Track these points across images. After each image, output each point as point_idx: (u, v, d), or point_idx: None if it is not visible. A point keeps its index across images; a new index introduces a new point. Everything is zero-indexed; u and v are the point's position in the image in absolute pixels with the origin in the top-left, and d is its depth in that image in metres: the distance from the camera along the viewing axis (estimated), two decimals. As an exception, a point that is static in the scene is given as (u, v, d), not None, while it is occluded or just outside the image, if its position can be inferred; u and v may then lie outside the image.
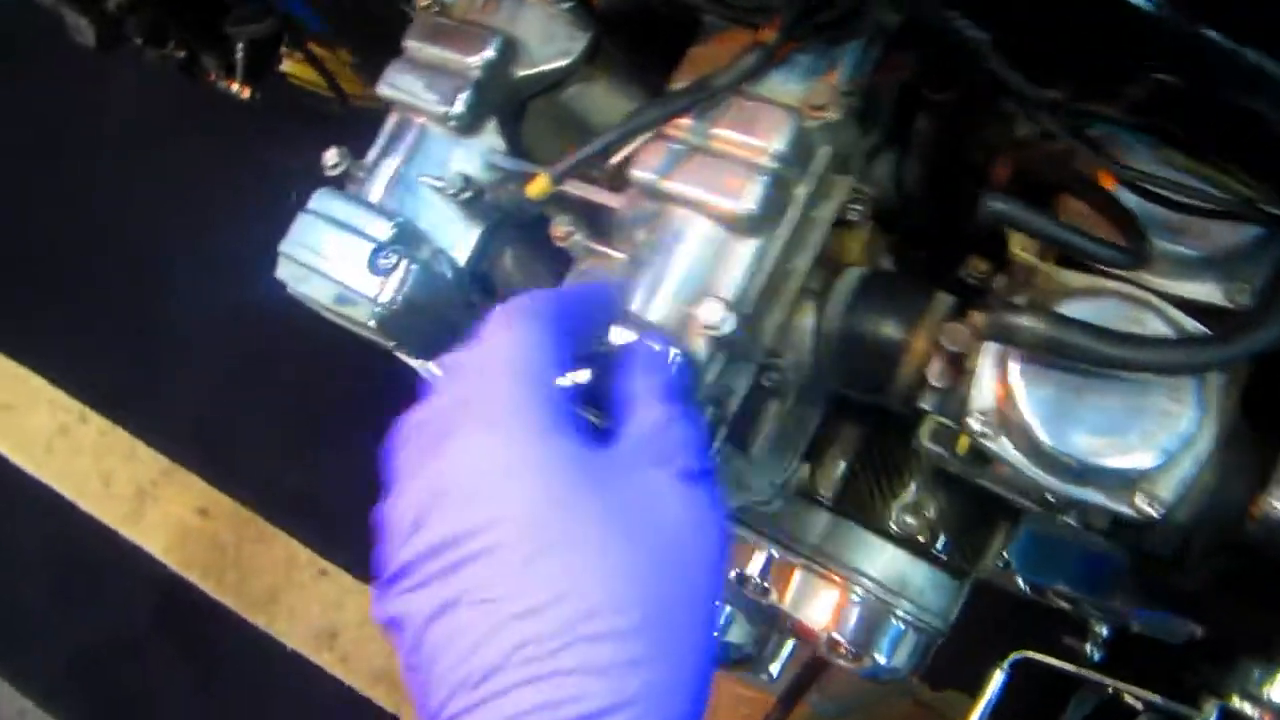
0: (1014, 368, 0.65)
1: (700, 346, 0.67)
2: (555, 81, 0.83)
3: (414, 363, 0.93)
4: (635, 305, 0.69)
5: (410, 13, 0.87)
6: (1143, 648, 1.27)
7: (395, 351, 0.92)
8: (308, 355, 1.95)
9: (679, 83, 0.74)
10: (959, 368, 0.73)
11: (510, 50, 0.81)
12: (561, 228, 0.72)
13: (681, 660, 0.46)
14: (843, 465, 1.01)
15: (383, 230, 0.78)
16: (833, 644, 0.99)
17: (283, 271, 0.83)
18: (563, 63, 0.81)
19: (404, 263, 0.77)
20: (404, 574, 0.48)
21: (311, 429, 1.92)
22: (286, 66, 1.72)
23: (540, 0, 0.81)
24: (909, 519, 0.97)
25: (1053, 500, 0.75)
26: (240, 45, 1.47)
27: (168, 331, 2.06)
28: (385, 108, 0.88)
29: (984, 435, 0.67)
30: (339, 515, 1.85)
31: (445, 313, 0.81)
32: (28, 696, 1.85)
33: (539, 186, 0.69)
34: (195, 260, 2.09)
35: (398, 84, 0.83)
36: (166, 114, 2.23)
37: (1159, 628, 1.10)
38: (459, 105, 0.79)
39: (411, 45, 0.84)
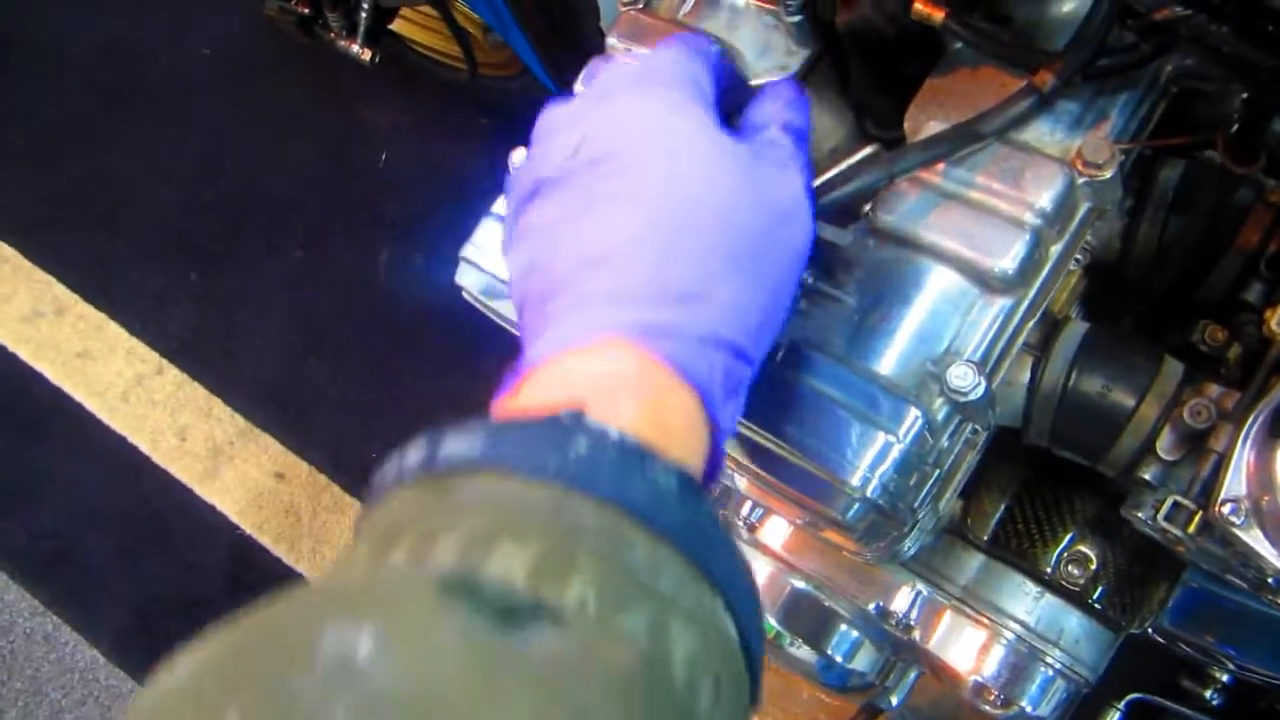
0: (1281, 459, 0.61)
1: (939, 408, 0.63)
2: (765, 97, 0.79)
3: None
4: (863, 355, 0.66)
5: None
6: (1263, 695, 1.25)
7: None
8: (393, 326, 1.92)
9: (919, 115, 0.69)
10: (1196, 444, 0.69)
11: (725, 60, 0.76)
12: (788, 264, 0.67)
13: (755, 298, 0.52)
14: (1000, 507, 0.98)
15: (578, 245, 0.74)
16: (979, 688, 0.97)
17: (463, 277, 0.78)
18: (778, 77, 0.77)
19: (605, 283, 0.72)
20: (548, 184, 0.54)
21: (392, 400, 1.89)
22: (397, 25, 1.67)
23: (762, 9, 0.76)
24: (1072, 569, 0.94)
25: (1276, 585, 0.72)
26: (365, 6, 1.42)
27: (251, 288, 2.02)
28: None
29: (1233, 523, 0.63)
30: (416, 489, 1.83)
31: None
32: (96, 647, 1.84)
33: (780, 224, 0.64)
34: (283, 217, 2.06)
35: (599, 87, 0.78)
36: (253, 62, 2.18)
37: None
38: (669, 117, 0.75)
39: (615, 44, 0.79)
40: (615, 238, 0.50)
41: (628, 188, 0.51)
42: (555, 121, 0.57)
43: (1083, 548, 0.95)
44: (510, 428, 0.43)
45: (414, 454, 0.43)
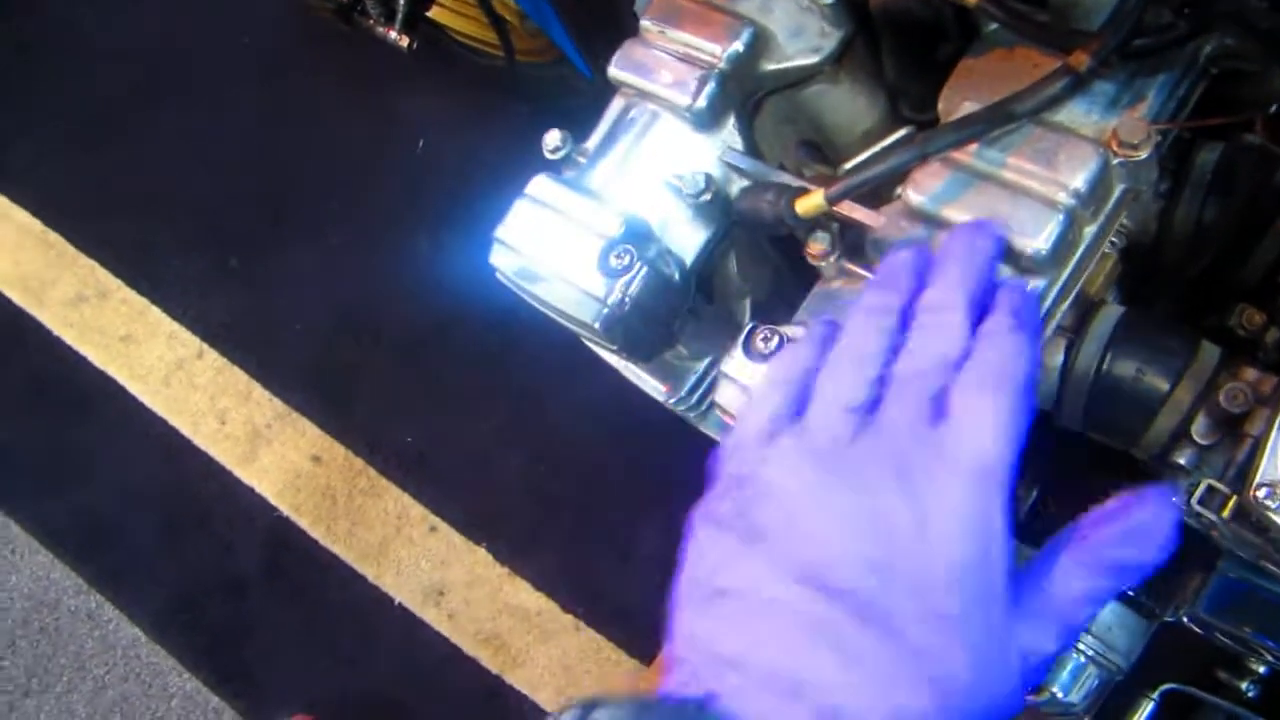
0: (1318, 443, 0.61)
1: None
2: (798, 79, 0.79)
3: (615, 360, 0.89)
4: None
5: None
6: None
7: (596, 347, 0.89)
8: (430, 312, 1.94)
9: (953, 97, 0.69)
10: (1232, 429, 0.69)
11: (759, 43, 0.76)
12: (819, 245, 0.67)
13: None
14: (1033, 492, 0.98)
15: (612, 226, 0.74)
16: (1008, 676, 0.96)
17: (498, 259, 0.79)
18: (811, 60, 0.77)
19: (638, 264, 0.73)
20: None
21: (428, 385, 1.91)
22: (434, 13, 1.68)
23: (795, -9, 0.76)
24: (1105, 557, 0.94)
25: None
26: (404, -5, 1.43)
27: (290, 274, 2.05)
28: (608, 89, 0.83)
29: (1268, 508, 0.63)
30: (450, 473, 1.85)
31: (666, 317, 0.78)
32: (138, 625, 1.88)
33: (812, 205, 0.65)
34: (321, 204, 2.08)
35: (633, 68, 0.78)
36: (291, 50, 2.20)
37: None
38: (702, 99, 0.75)
39: (649, 27, 0.79)
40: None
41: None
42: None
43: (1116, 535, 0.94)
44: (648, 708, 0.46)
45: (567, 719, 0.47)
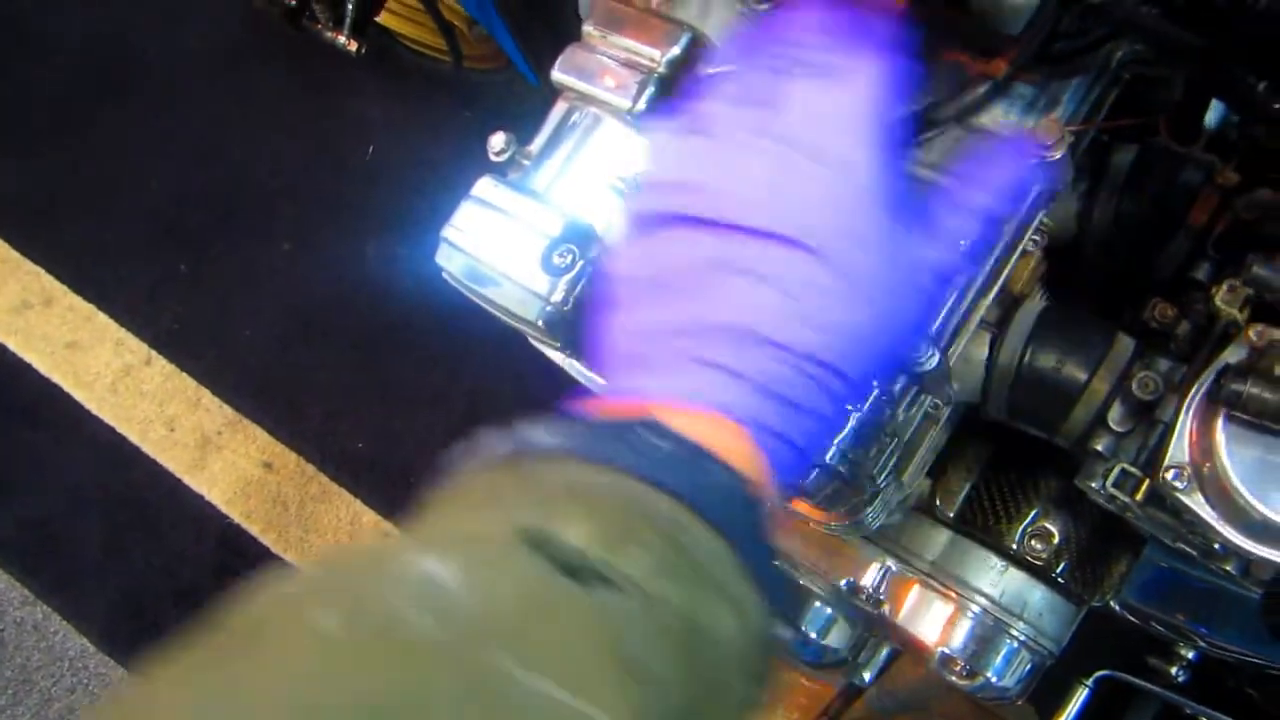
0: (1220, 427, 0.64)
1: (895, 379, 0.66)
2: (735, 84, 0.81)
3: (559, 359, 0.91)
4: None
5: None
6: (1230, 674, 1.27)
7: (541, 345, 0.91)
8: (380, 317, 1.94)
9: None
10: (1145, 416, 0.72)
11: (697, 47, 0.79)
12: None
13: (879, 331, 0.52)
14: (966, 485, 1.01)
15: (555, 225, 0.76)
16: (946, 660, 1.00)
17: (443, 258, 0.81)
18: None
19: (580, 262, 0.75)
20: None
21: (379, 390, 1.91)
22: (383, 18, 1.70)
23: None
24: (1035, 543, 0.97)
25: (1221, 551, 0.75)
26: (352, -1, 1.44)
27: (240, 279, 2.04)
28: (551, 94, 0.86)
29: (1176, 489, 0.66)
30: (403, 478, 1.85)
31: (609, 314, 0.80)
32: (85, 636, 1.86)
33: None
34: (272, 209, 2.08)
35: (576, 72, 0.81)
36: (242, 53, 2.20)
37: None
38: (642, 102, 0.77)
39: (591, 32, 0.82)
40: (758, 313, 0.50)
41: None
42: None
43: (1046, 524, 0.98)
44: (591, 424, 0.49)
45: (502, 443, 0.49)
